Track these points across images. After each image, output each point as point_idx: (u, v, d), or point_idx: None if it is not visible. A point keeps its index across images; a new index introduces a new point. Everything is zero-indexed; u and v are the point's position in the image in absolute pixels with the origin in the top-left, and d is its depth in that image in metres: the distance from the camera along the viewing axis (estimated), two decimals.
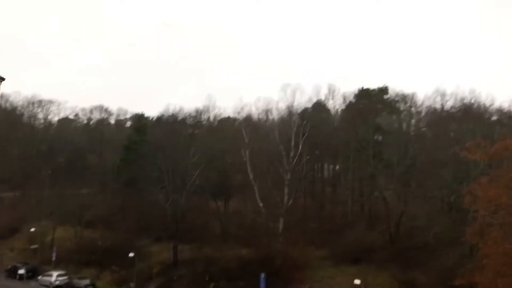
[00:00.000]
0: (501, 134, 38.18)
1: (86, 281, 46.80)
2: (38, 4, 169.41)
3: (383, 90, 63.13)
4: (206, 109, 78.68)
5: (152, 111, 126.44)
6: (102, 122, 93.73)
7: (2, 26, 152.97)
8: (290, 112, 58.56)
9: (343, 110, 70.19)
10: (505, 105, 58.34)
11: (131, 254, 44.20)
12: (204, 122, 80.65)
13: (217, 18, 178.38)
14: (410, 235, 46.24)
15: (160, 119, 79.93)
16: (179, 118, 76.59)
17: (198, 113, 78.69)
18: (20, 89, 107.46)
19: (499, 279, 16.18)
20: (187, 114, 77.91)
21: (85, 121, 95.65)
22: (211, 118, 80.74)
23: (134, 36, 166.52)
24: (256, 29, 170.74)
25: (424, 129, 63.98)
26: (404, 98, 63.04)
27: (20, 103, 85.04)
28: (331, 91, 69.87)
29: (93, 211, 56.08)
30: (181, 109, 77.89)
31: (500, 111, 57.40)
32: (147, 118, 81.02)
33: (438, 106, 63.46)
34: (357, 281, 37.45)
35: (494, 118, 57.28)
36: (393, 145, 52.66)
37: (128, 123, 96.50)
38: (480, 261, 17.89)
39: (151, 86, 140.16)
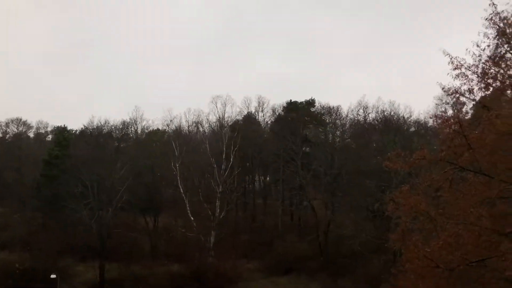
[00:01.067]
0: (418, 144, 40.74)
1: None
2: None
3: (310, 103, 65.36)
4: (133, 122, 76.52)
5: (75, 124, 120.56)
6: (20, 136, 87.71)
7: None
8: (221, 124, 58.69)
9: (272, 123, 71.59)
10: (421, 117, 62.71)
11: (52, 276, 41.42)
12: (131, 135, 78.23)
13: (143, 24, 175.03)
14: (338, 243, 47.74)
15: (83, 132, 76.26)
16: (104, 131, 73.59)
17: (125, 125, 76.22)
18: None
19: (420, 282, 16.98)
20: (113, 126, 75.14)
21: (0, 135, 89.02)
22: (139, 131, 78.60)
23: (54, 45, 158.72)
24: (184, 38, 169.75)
25: (348, 140, 66.82)
26: (329, 110, 65.62)
27: None
28: (261, 103, 71.16)
29: (9, 231, 51.90)
30: (106, 122, 75.02)
31: (417, 122, 61.41)
32: (69, 131, 77.00)
33: (361, 118, 66.69)
34: None
35: (412, 129, 61.07)
36: (320, 156, 54.38)
37: (49, 137, 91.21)
38: (403, 265, 18.71)
39: (73, 98, 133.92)
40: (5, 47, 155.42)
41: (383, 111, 61.86)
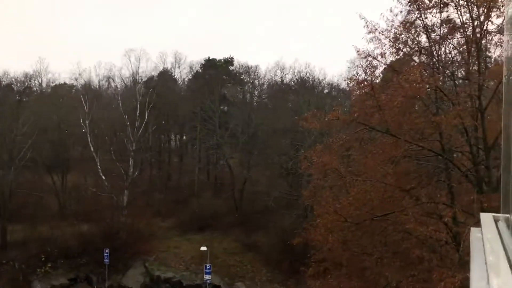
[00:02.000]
0: (331, 105, 42.36)
1: None
2: None
3: (229, 62, 64.68)
4: (37, 74, 70.52)
5: None
6: None
7: None
8: (134, 80, 56.10)
9: (190, 80, 69.97)
10: (335, 80, 64.98)
11: None
12: (35, 89, 72.32)
13: None
14: (253, 200, 49.03)
15: None
16: (4, 83, 67.17)
17: (27, 78, 70.01)
18: None
19: (330, 235, 17.95)
20: (13, 78, 68.71)
21: None
22: (44, 84, 72.78)
23: None
24: None
25: (266, 100, 67.67)
26: (248, 70, 65.53)
27: None
28: (178, 59, 68.79)
29: None
30: (5, 73, 68.31)
31: (330, 84, 63.66)
32: None
33: (278, 79, 67.55)
34: (203, 248, 38.59)
35: (326, 91, 63.28)
36: (237, 116, 54.58)
37: None
38: (314, 220, 19.63)
39: None
40: None
41: (300, 73, 63.18)
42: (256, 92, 66.29)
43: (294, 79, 64.25)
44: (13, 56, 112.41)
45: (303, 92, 55.98)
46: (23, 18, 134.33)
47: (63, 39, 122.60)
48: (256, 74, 65.88)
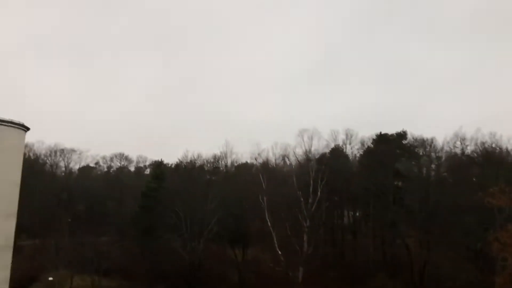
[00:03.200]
0: None
1: None
2: (49, 59, 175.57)
3: (402, 135, 62.92)
4: (224, 155, 79.29)
5: (170, 158, 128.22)
6: (122, 170, 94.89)
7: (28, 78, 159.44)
8: (307, 157, 58.51)
9: (361, 155, 69.79)
10: None
11: None
12: (221, 168, 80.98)
13: (235, 57, 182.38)
14: (436, 284, 44.45)
15: (178, 166, 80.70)
16: (197, 164, 77.21)
17: (216, 159, 79.31)
18: (43, 138, 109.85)
19: None
20: (205, 160, 78.63)
21: (105, 169, 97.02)
22: (229, 164, 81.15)
23: (151, 84, 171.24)
24: (273, 71, 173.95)
25: (445, 174, 62.84)
26: (423, 143, 62.50)
27: (43, 152, 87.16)
28: (349, 136, 69.87)
29: (111, 259, 55.60)
30: (199, 156, 78.77)
31: None
32: (165, 165, 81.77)
33: (458, 150, 62.66)
34: None
35: None
36: (413, 191, 51.67)
37: (147, 170, 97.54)
38: None
39: (170, 133, 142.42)
40: (113, 91, 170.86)
41: (483, 143, 57.64)
42: (433, 166, 62.32)
43: (478, 151, 58.75)
44: (205, 140, 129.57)
45: (488, 164, 50.61)
46: (213, 107, 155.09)
47: (245, 123, 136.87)
48: (432, 146, 62.38)
